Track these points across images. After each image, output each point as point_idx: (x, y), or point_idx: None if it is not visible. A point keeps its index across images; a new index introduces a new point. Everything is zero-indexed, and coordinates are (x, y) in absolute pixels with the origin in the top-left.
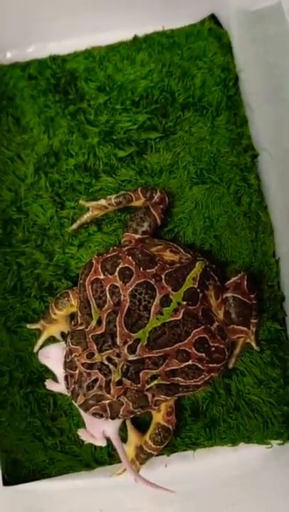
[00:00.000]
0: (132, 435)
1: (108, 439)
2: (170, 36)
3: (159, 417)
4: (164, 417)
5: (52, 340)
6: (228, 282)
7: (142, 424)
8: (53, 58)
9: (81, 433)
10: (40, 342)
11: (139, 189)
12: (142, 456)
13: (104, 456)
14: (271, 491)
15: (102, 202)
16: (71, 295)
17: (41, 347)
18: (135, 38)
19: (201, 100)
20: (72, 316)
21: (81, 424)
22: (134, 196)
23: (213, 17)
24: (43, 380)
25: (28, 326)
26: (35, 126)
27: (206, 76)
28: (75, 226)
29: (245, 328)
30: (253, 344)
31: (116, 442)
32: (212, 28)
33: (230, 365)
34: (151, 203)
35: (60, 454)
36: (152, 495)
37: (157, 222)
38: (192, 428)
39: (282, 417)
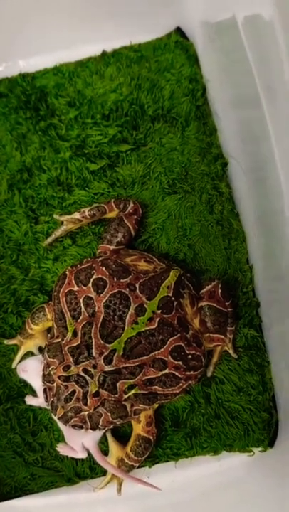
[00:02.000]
0: (113, 448)
1: (88, 451)
2: (138, 50)
3: (139, 428)
4: (143, 428)
5: (30, 354)
6: (202, 291)
7: (122, 437)
8: (23, 76)
9: (60, 448)
10: (18, 357)
11: (112, 201)
12: (124, 468)
13: (86, 471)
14: (255, 498)
15: (76, 215)
16: (47, 309)
17: (19, 362)
18: (103, 53)
19: (170, 111)
20: (49, 330)
21: (61, 438)
22: (108, 208)
23: (179, 30)
24: (23, 396)
25: (6, 341)
26: (7, 143)
27: (174, 87)
28: (49, 240)
29: (221, 336)
30: (231, 351)
31: (95, 452)
32: (178, 40)
33: (209, 374)
34: (125, 214)
35: (41, 469)
36: (135, 508)
37: (131, 233)
38: (173, 438)
39: (262, 424)
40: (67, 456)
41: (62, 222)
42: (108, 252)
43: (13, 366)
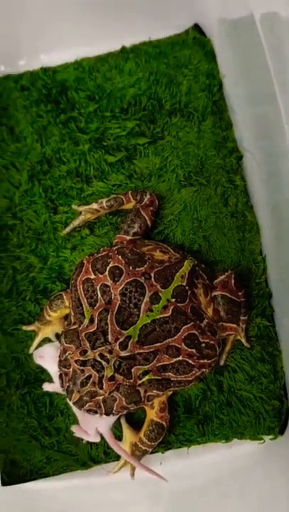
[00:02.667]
0: (127, 433)
1: (101, 436)
2: (156, 46)
3: (152, 413)
4: (157, 414)
5: (47, 341)
6: (215, 281)
7: (136, 422)
8: (45, 70)
9: (75, 429)
10: (35, 343)
11: (129, 192)
12: (138, 453)
13: (101, 455)
14: (265, 485)
15: (94, 206)
16: (65, 297)
17: (36, 348)
18: (123, 49)
19: (187, 106)
20: (66, 317)
21: (76, 423)
22: (125, 199)
23: (196, 26)
24: (40, 381)
25: (24, 327)
26: (28, 135)
27: (191, 83)
28: (68, 229)
29: (234, 325)
30: (243, 341)
31: (109, 437)
32: (196, 37)
33: (222, 362)
34: (142, 205)
35: (57, 453)
36: (148, 492)
37: (148, 224)
38: (186, 425)
39: (273, 412)
40: (82, 441)
41: (80, 213)
42: (124, 242)
43: (30, 351)
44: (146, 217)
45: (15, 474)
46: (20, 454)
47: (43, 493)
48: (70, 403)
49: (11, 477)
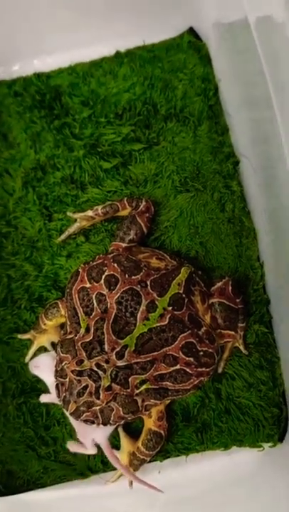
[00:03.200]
0: (125, 442)
1: (98, 447)
2: (151, 50)
3: (150, 422)
4: (155, 423)
5: (43, 350)
6: (213, 288)
7: (134, 432)
8: (38, 75)
9: (70, 446)
10: (31, 352)
11: (124, 199)
12: (136, 463)
13: (98, 464)
14: (265, 493)
15: (89, 213)
16: (60, 305)
17: (32, 357)
18: (117, 53)
19: (182, 111)
20: (62, 326)
21: (74, 433)
22: (121, 206)
23: (191, 30)
24: (36, 391)
25: (19, 336)
26: (22, 142)
27: (187, 87)
28: (63, 237)
29: (232, 333)
30: (242, 348)
31: (106, 448)
32: (191, 40)
33: (220, 370)
34: (137, 212)
35: (54, 463)
36: (146, 501)
37: (143, 231)
38: (184, 433)
39: (272, 419)
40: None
41: (75, 220)
42: (120, 250)
43: (26, 361)
44: (142, 224)
45: (11, 485)
46: (17, 465)
47: (40, 504)
48: (67, 413)
49: (8, 488)
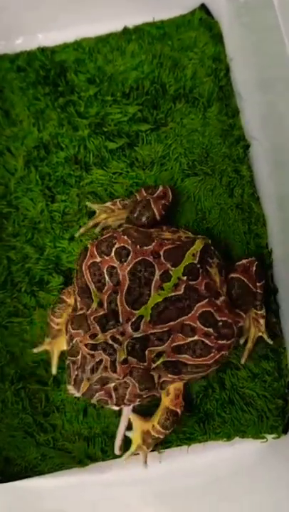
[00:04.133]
0: (137, 422)
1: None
2: (160, 27)
3: (167, 401)
4: (172, 401)
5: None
6: (237, 263)
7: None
8: (42, 50)
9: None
10: (55, 362)
11: (142, 188)
12: (150, 441)
13: (98, 453)
14: (267, 485)
15: (108, 204)
16: (64, 296)
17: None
18: (125, 29)
19: (192, 91)
20: None
21: (73, 419)
22: (139, 196)
23: (203, 7)
24: (35, 376)
25: (35, 350)
26: (24, 119)
27: (197, 67)
28: (82, 230)
29: (241, 313)
30: (265, 336)
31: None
32: (203, 18)
33: (243, 360)
34: (153, 197)
35: (52, 450)
36: (146, 490)
37: (156, 217)
38: (186, 423)
39: (276, 411)
40: (79, 438)
41: (94, 212)
42: None
43: (53, 372)
44: (156, 211)
45: (9, 472)
46: (15, 451)
47: (38, 491)
48: (78, 395)
49: (5, 475)
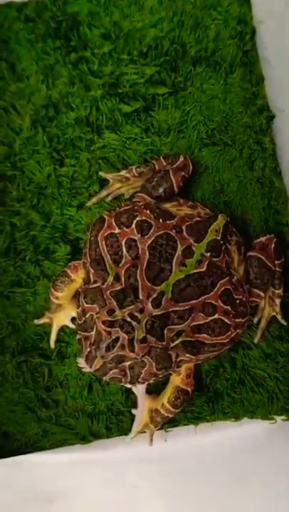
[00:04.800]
0: (146, 400)
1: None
2: None
3: (178, 380)
4: (183, 380)
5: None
6: (255, 241)
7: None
8: None
9: None
10: (53, 336)
11: (161, 157)
12: (158, 420)
13: (102, 430)
14: (274, 466)
15: (123, 172)
16: (69, 270)
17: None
18: None
19: (214, 54)
20: (76, 296)
21: (77, 395)
22: (158, 164)
23: None
24: (37, 349)
25: (36, 321)
26: (32, 75)
27: (220, 28)
28: (94, 200)
29: (260, 293)
30: (279, 317)
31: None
32: None
33: (256, 340)
34: (173, 168)
35: (54, 426)
36: (151, 470)
37: (174, 189)
38: (195, 402)
39: (288, 393)
40: (82, 414)
41: (108, 182)
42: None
43: (51, 346)
44: (174, 182)
45: (8, 447)
46: (15, 426)
47: (39, 467)
48: (89, 370)
49: (4, 450)
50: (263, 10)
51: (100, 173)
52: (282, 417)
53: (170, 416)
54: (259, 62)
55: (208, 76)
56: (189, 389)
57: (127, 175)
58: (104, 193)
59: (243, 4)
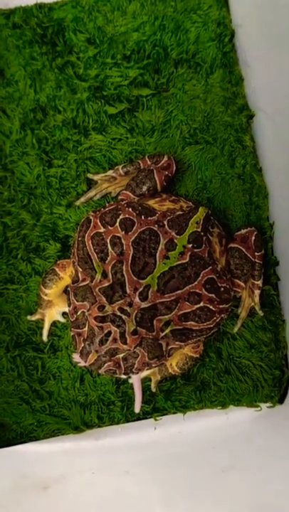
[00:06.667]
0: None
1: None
2: None
3: (187, 348)
4: (191, 349)
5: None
6: (236, 233)
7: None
8: (39, 6)
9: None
10: (45, 331)
11: (146, 156)
12: (165, 374)
13: (94, 419)
14: (260, 452)
15: (110, 172)
16: (57, 269)
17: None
18: None
19: (194, 56)
20: (66, 292)
21: (70, 387)
22: (142, 163)
23: None
24: (31, 343)
25: (28, 317)
26: (20, 79)
27: (200, 30)
28: (83, 199)
29: (241, 283)
30: (257, 308)
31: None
32: None
33: (236, 329)
34: (157, 167)
35: (48, 417)
36: (141, 458)
37: (157, 189)
38: (182, 391)
39: (272, 381)
40: (75, 405)
41: (96, 182)
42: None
43: (44, 340)
44: (158, 181)
45: (4, 437)
46: (10, 417)
47: (34, 457)
48: (84, 365)
49: (0, 440)
50: (241, 14)
51: (88, 175)
52: (267, 404)
53: (174, 374)
54: (238, 64)
55: (189, 77)
56: (198, 355)
57: (114, 174)
58: (92, 192)
59: (222, 8)
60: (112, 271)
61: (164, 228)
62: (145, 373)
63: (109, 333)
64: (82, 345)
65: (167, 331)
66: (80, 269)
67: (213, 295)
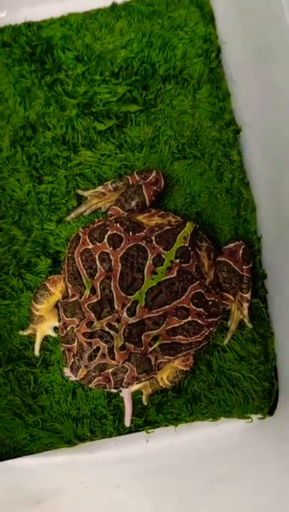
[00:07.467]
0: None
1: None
2: (150, 4)
3: (176, 362)
4: (181, 363)
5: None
6: (224, 247)
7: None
8: (28, 25)
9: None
10: (37, 345)
11: (135, 172)
12: (156, 387)
13: (86, 433)
14: (251, 463)
15: (99, 188)
16: (48, 284)
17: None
18: (114, 5)
19: (182, 72)
20: (57, 307)
21: (62, 401)
22: (131, 179)
23: None
24: (23, 358)
25: (21, 332)
26: (10, 97)
27: (187, 47)
28: (73, 215)
29: (230, 296)
30: (246, 320)
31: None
32: None
33: (226, 341)
34: (145, 183)
35: (41, 431)
36: (134, 471)
37: (146, 203)
38: (174, 404)
39: (262, 393)
40: (67, 419)
41: (85, 198)
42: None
43: (36, 355)
44: (146, 196)
45: None
46: (3, 432)
47: (27, 470)
48: (75, 379)
49: None
50: (226, 31)
51: (78, 191)
52: (258, 416)
53: (167, 388)
54: (225, 79)
55: (177, 93)
56: (188, 368)
57: (103, 190)
58: (82, 208)
59: (208, 24)
60: (101, 287)
61: (151, 244)
62: (136, 387)
63: (98, 348)
64: (72, 360)
65: (156, 345)
66: (70, 285)
67: (201, 309)
